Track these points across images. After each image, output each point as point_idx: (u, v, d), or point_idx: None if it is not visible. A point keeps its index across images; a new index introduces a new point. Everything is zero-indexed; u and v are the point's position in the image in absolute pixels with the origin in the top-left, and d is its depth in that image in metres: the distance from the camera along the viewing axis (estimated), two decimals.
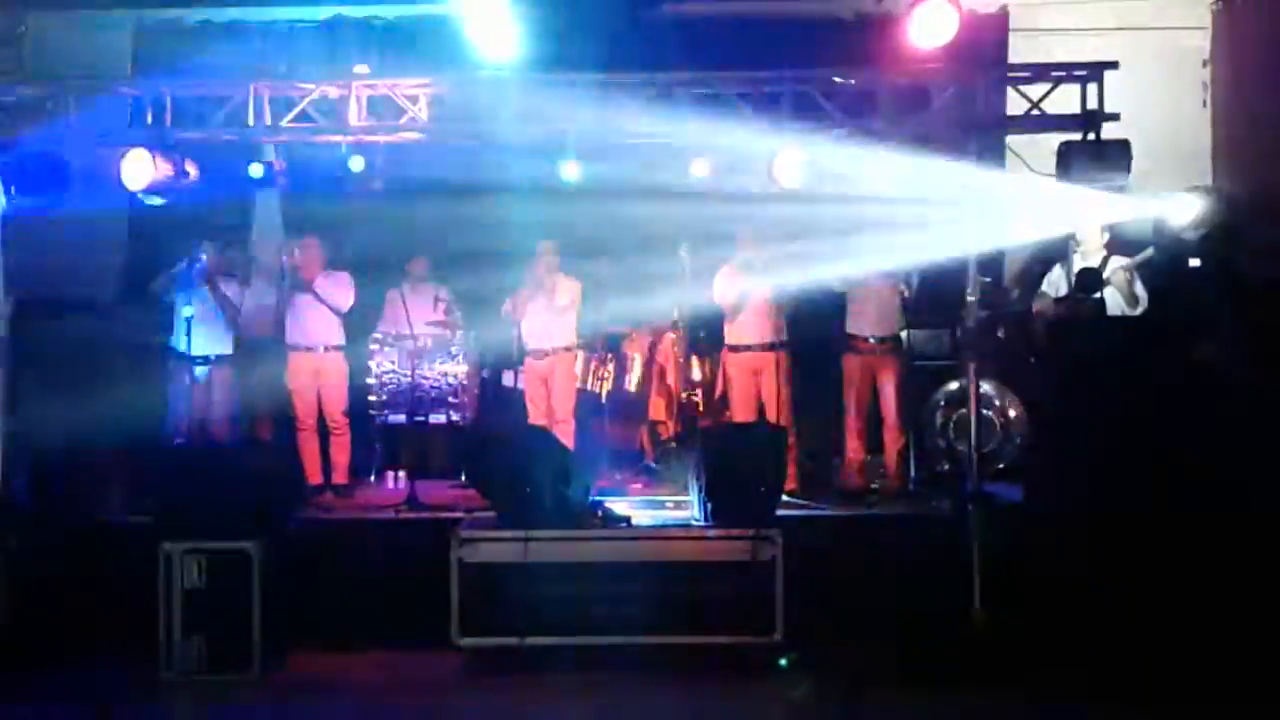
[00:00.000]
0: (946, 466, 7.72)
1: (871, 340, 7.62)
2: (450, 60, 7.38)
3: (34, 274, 7.40)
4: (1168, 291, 7.20)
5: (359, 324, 8.05)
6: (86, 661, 5.79)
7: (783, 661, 5.86)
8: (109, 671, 5.74)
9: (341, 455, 7.82)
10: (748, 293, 7.65)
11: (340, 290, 7.84)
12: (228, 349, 7.64)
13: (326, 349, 7.78)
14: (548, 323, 7.92)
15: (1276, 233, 7.25)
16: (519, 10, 7.03)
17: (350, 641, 6.06)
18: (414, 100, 7.57)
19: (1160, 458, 5.92)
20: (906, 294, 7.57)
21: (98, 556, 6.07)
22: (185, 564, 5.78)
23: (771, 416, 7.51)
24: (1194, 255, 7.31)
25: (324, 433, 7.80)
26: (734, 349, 7.79)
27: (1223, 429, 5.93)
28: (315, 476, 7.71)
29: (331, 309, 7.77)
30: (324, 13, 8.45)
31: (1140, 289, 7.26)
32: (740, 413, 7.70)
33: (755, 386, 7.69)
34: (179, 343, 7.44)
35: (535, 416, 7.90)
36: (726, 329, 7.85)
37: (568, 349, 8.02)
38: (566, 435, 7.65)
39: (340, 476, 7.81)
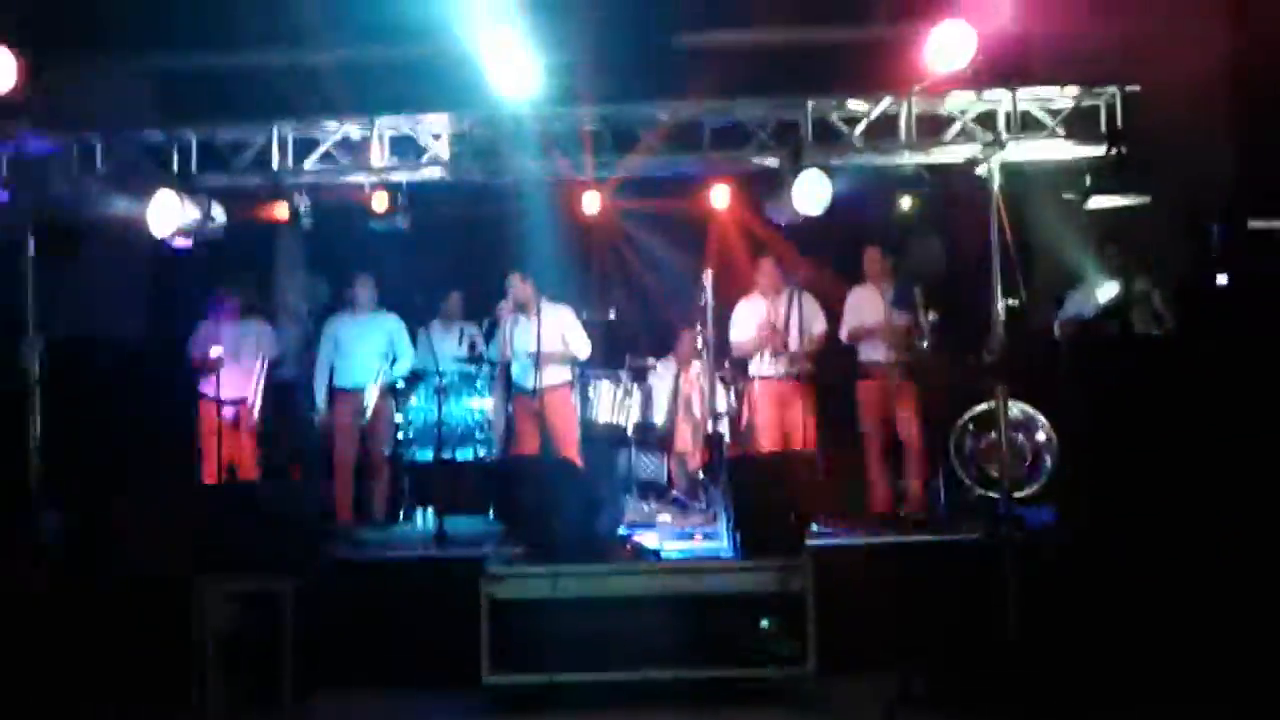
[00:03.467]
0: (977, 492, 7.67)
1: (886, 365, 7.59)
2: (470, 98, 7.43)
3: (64, 315, 7.49)
4: (1196, 311, 7.14)
5: None
6: (117, 700, 5.78)
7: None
8: (139, 711, 5.73)
9: (383, 489, 7.84)
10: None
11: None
12: (254, 388, 7.69)
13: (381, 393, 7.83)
14: (537, 359, 7.66)
15: None
16: (537, 46, 7.08)
17: (380, 680, 6.04)
18: (436, 138, 7.67)
19: (1194, 479, 5.85)
20: (925, 321, 7.55)
21: (128, 596, 6.08)
22: (217, 603, 5.80)
23: (797, 445, 7.49)
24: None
25: (358, 471, 7.82)
26: (760, 379, 7.79)
27: (1256, 448, 5.85)
28: (346, 514, 7.73)
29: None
30: (344, 54, 8.53)
31: (1161, 307, 7.21)
32: (767, 442, 7.68)
33: (781, 416, 7.68)
34: (208, 384, 7.51)
35: (523, 451, 7.73)
36: (752, 360, 7.85)
37: (563, 385, 7.91)
38: None
39: (380, 511, 7.86)
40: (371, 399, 7.74)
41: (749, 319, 7.92)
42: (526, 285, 7.79)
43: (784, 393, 7.72)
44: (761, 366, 7.87)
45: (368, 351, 7.84)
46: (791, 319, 7.67)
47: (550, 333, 7.75)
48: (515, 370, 7.88)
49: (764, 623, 5.82)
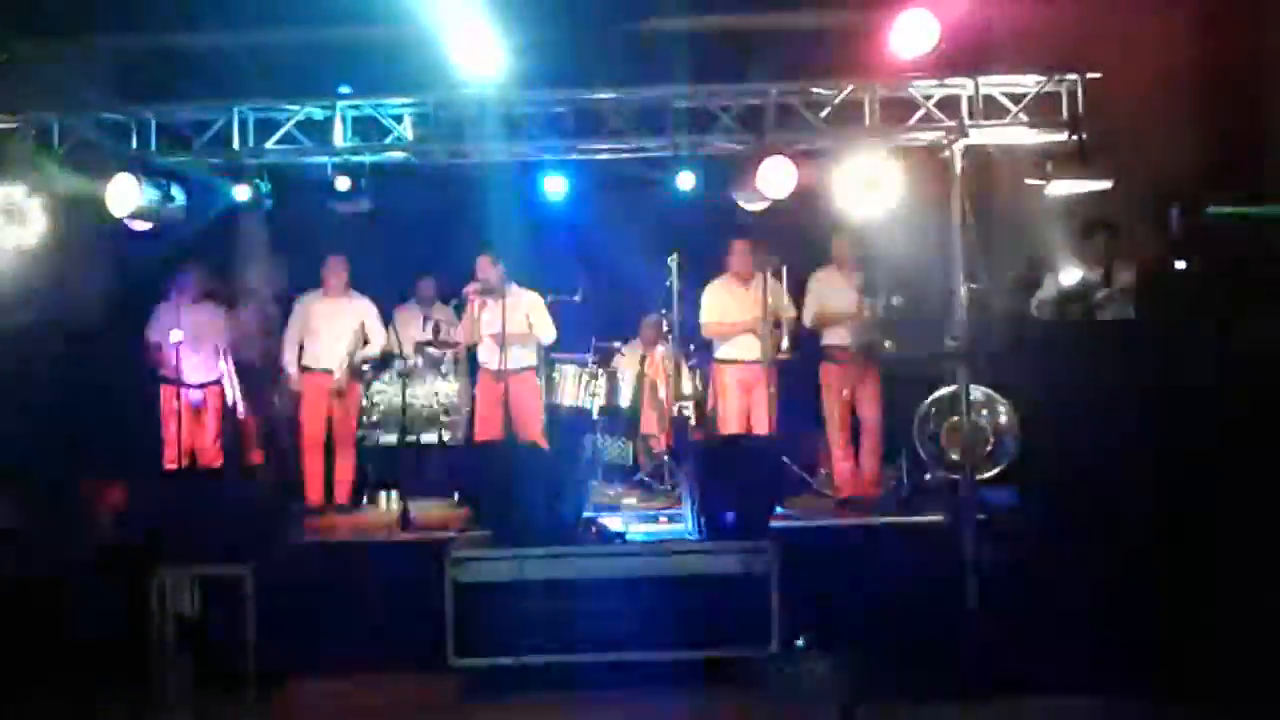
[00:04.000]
0: (939, 474, 7.74)
1: (848, 349, 7.64)
2: (433, 79, 7.37)
3: (20, 300, 7.39)
4: (1156, 295, 7.23)
5: None
6: (78, 688, 5.73)
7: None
8: (101, 697, 5.67)
9: (346, 474, 7.80)
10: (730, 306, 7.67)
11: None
12: (213, 374, 7.61)
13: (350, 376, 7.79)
14: (501, 342, 7.60)
15: None
16: (501, 27, 7.03)
17: (345, 664, 5.99)
18: (399, 119, 7.61)
19: (1157, 460, 5.92)
20: (887, 304, 7.59)
21: (87, 582, 6.02)
22: (179, 588, 5.75)
23: (760, 430, 7.52)
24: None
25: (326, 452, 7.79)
26: (725, 363, 7.80)
27: (1221, 430, 5.93)
28: (317, 496, 7.70)
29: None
30: (305, 35, 8.43)
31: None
32: (730, 426, 7.71)
33: (746, 400, 7.71)
34: (168, 369, 7.43)
35: (486, 437, 7.68)
36: (717, 343, 7.86)
37: (527, 369, 7.88)
38: None
39: (343, 495, 7.81)
40: (342, 380, 7.66)
41: (720, 302, 7.89)
42: (495, 268, 7.75)
43: (749, 377, 7.73)
44: (730, 350, 7.85)
45: (338, 334, 7.77)
46: (755, 304, 7.67)
47: (516, 316, 7.72)
48: (481, 353, 7.84)
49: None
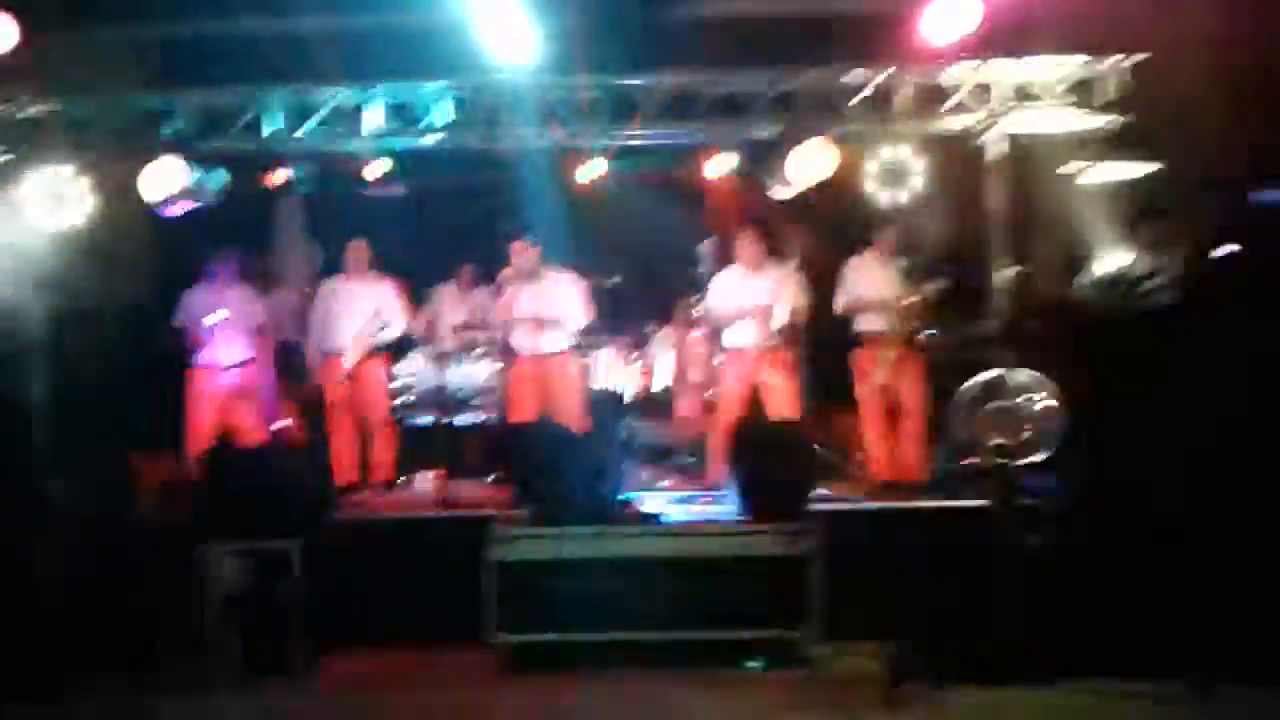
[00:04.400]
0: (980, 459, 7.68)
1: (883, 334, 7.60)
2: (468, 65, 7.38)
3: (68, 282, 7.43)
4: (1200, 281, 7.17)
5: None
6: (128, 664, 5.75)
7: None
8: (149, 672, 5.70)
9: (384, 455, 7.81)
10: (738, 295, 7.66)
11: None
12: (252, 352, 7.63)
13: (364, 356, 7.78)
14: (537, 325, 7.64)
15: None
16: (535, 14, 7.03)
17: (388, 640, 6.03)
18: (432, 105, 7.62)
19: (1195, 448, 5.88)
20: (927, 290, 7.54)
21: (136, 558, 6.03)
22: (224, 565, 5.78)
23: (777, 413, 7.51)
24: None
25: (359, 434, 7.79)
26: (733, 350, 7.75)
27: (1263, 418, 5.89)
28: (347, 476, 7.71)
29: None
30: (340, 21, 8.44)
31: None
32: (732, 412, 7.62)
33: (747, 386, 7.66)
34: (205, 350, 7.44)
35: (521, 418, 7.63)
36: (726, 331, 7.80)
37: (563, 352, 7.82)
38: None
39: (383, 475, 7.80)
40: (350, 362, 7.67)
41: (726, 291, 7.87)
42: (531, 251, 7.75)
43: (757, 363, 7.68)
44: (735, 337, 7.80)
45: (355, 316, 7.78)
46: (772, 292, 7.65)
47: (552, 300, 7.70)
48: (516, 336, 7.84)
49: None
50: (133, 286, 8.04)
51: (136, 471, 6.78)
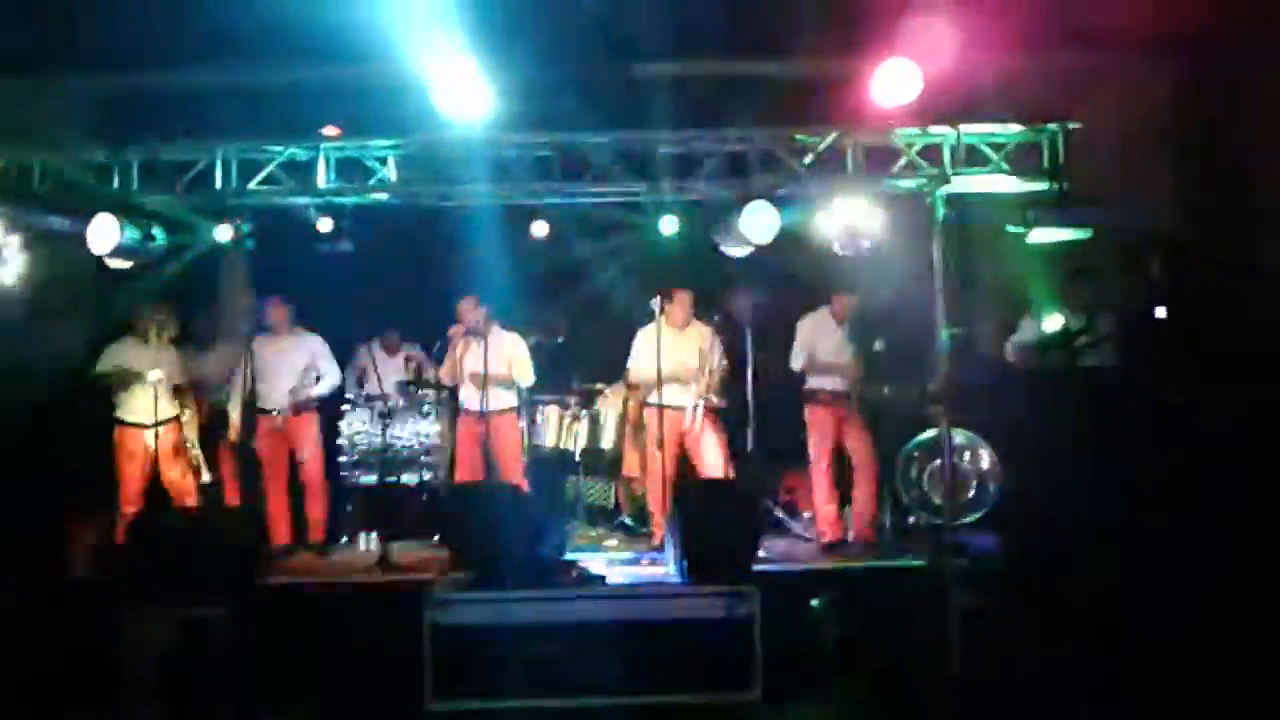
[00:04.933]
0: (921, 517, 7.72)
1: (835, 393, 7.64)
2: (419, 121, 7.39)
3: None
4: (1137, 342, 7.27)
5: None
6: None
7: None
8: None
9: (318, 514, 7.72)
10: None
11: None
12: (169, 412, 7.55)
13: (297, 410, 7.72)
14: (483, 382, 7.60)
15: None
16: (487, 71, 7.07)
17: (320, 708, 5.86)
18: (383, 161, 7.62)
19: (1138, 507, 5.92)
20: (871, 349, 7.59)
21: (60, 621, 5.91)
22: (147, 630, 5.66)
23: (713, 474, 7.51)
24: None
25: (294, 491, 7.70)
26: (652, 407, 7.73)
27: (1203, 477, 5.94)
28: (283, 536, 7.61)
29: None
30: (290, 76, 8.45)
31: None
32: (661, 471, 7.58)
33: (680, 444, 7.66)
34: (135, 409, 7.35)
35: (466, 478, 7.66)
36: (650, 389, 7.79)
37: (508, 410, 7.85)
38: None
39: (317, 534, 7.71)
40: (279, 419, 7.60)
41: (646, 349, 7.85)
42: (478, 310, 7.75)
43: (677, 423, 7.67)
44: (658, 396, 7.75)
45: (286, 372, 7.72)
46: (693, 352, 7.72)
47: (498, 358, 7.70)
48: (462, 394, 7.81)
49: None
50: (66, 344, 7.95)
51: (66, 533, 6.66)
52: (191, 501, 7.44)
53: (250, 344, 7.59)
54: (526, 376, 7.85)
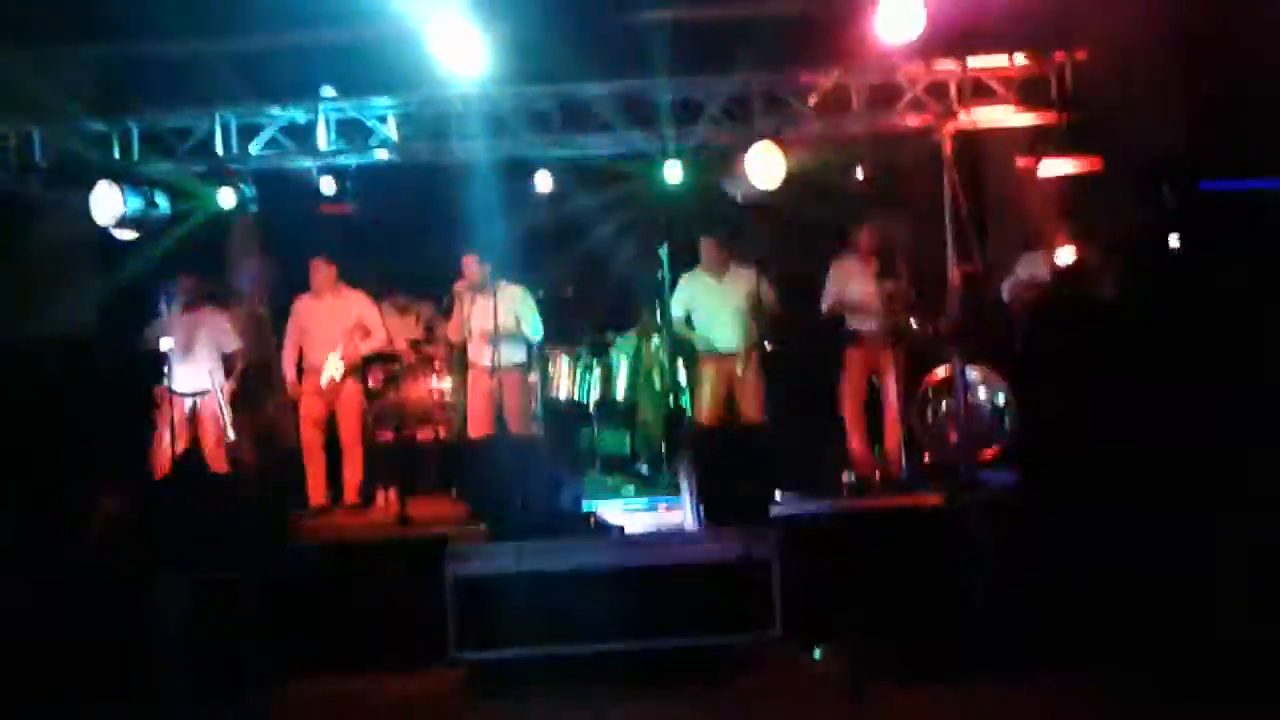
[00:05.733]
0: (938, 456, 7.69)
1: (869, 333, 7.58)
2: (417, 79, 7.34)
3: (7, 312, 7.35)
4: (1149, 273, 7.20)
5: None
6: (80, 696, 5.66)
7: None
8: (103, 705, 5.60)
9: (354, 475, 7.74)
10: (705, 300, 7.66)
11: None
12: (210, 382, 7.55)
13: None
14: (489, 339, 7.66)
15: None
16: (483, 26, 7.00)
17: (348, 663, 5.93)
18: (383, 120, 7.59)
19: (1149, 441, 5.89)
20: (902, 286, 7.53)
21: (87, 590, 5.96)
22: (176, 595, 5.69)
23: (749, 416, 7.48)
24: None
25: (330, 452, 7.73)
26: (702, 354, 7.73)
27: (1213, 409, 5.90)
28: (319, 497, 7.64)
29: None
30: (287, 39, 8.39)
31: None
32: (707, 416, 7.64)
33: (724, 390, 7.65)
34: (163, 377, 7.36)
35: (480, 433, 7.69)
36: (696, 334, 7.80)
37: (517, 365, 7.85)
38: None
39: (351, 496, 7.73)
40: (328, 377, 7.59)
41: (690, 293, 7.86)
42: (482, 266, 7.73)
43: (727, 367, 7.67)
44: (706, 342, 7.78)
45: (332, 332, 7.71)
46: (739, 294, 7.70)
47: (506, 312, 7.67)
48: (471, 350, 7.80)
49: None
50: (78, 314, 7.97)
51: (89, 502, 6.69)
52: (220, 466, 7.46)
53: (294, 303, 7.55)
54: (534, 329, 7.84)
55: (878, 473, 7.58)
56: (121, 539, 6.45)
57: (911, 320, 7.51)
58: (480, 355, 7.75)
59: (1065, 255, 7.24)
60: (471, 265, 7.74)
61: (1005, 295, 7.52)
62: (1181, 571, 5.60)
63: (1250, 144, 7.33)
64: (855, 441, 7.62)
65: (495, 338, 7.58)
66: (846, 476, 7.36)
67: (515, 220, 8.21)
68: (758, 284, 7.73)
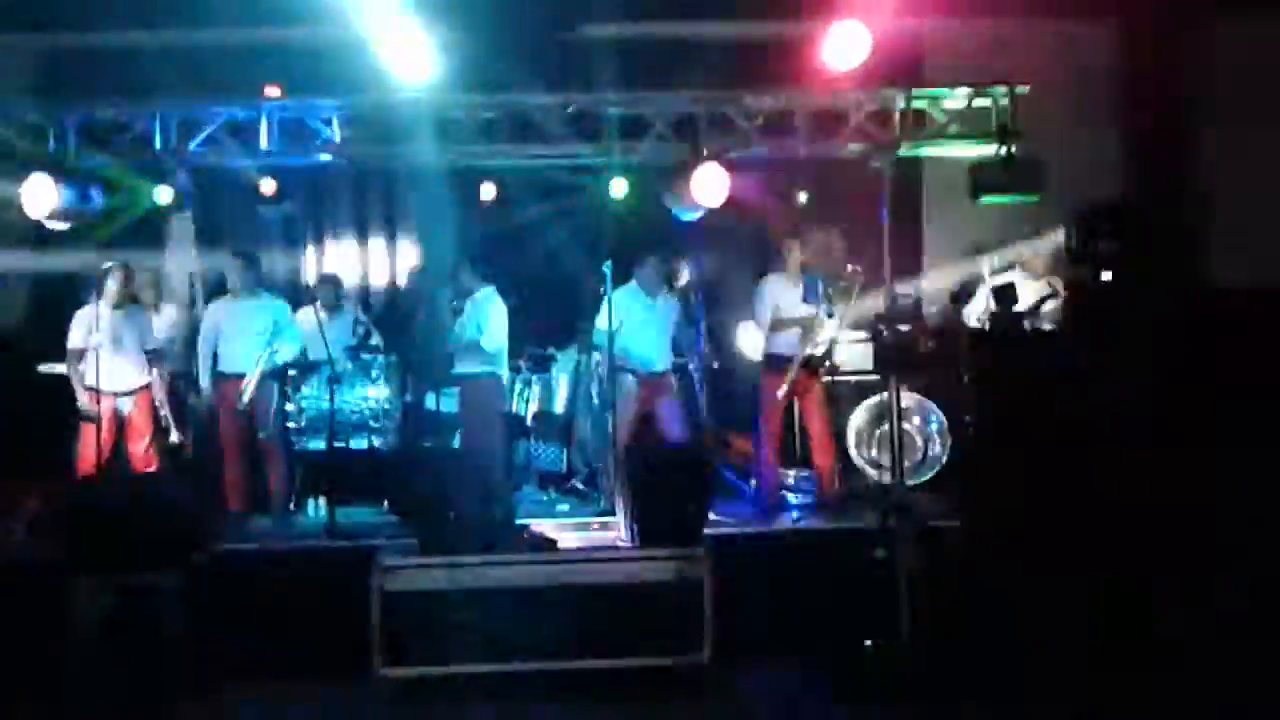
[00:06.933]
0: (870, 480, 7.77)
1: (791, 358, 7.61)
2: (364, 82, 7.28)
3: None
4: (1082, 306, 7.33)
5: None
6: None
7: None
8: (13, 710, 5.49)
9: (277, 481, 7.59)
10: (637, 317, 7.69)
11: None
12: (140, 380, 7.40)
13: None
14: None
15: None
16: (433, 32, 6.96)
17: (270, 674, 5.83)
18: (327, 122, 7.50)
19: (1080, 472, 5.97)
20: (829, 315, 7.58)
21: (4, 593, 5.82)
22: (93, 598, 5.58)
23: (671, 437, 7.53)
24: None
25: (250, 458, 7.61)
26: (625, 371, 7.75)
27: (1143, 441, 6.00)
28: (238, 503, 7.51)
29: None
30: (233, 36, 8.28)
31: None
32: (627, 434, 7.60)
33: (650, 408, 7.67)
34: (89, 375, 7.19)
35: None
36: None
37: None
38: None
39: (276, 502, 7.58)
40: (250, 383, 7.46)
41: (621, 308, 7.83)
42: (471, 276, 7.62)
43: (655, 386, 7.71)
44: (629, 360, 7.73)
45: (249, 335, 7.57)
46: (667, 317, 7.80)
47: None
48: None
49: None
50: (6, 308, 7.79)
51: (9, 501, 6.54)
52: (153, 469, 7.30)
53: (209, 306, 7.43)
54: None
55: (798, 496, 7.61)
56: (40, 539, 6.33)
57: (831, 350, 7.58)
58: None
59: (1035, 290, 7.36)
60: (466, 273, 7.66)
61: (971, 322, 7.58)
62: (1115, 604, 5.68)
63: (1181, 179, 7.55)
64: (768, 467, 7.61)
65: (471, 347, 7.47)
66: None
67: (458, 229, 8.16)
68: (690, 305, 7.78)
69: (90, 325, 7.11)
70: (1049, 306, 7.39)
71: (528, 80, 7.60)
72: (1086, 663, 5.51)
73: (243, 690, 5.78)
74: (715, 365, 8.24)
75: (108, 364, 7.12)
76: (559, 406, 8.30)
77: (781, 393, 7.40)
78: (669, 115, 7.58)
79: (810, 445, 7.70)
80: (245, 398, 7.38)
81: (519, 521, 6.77)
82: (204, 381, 7.61)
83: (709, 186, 7.32)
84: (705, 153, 7.41)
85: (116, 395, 7.25)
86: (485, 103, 7.52)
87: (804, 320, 7.49)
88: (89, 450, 7.10)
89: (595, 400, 8.28)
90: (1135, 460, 5.95)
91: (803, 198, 8.45)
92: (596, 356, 8.32)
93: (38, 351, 7.61)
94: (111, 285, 7.26)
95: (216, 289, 7.97)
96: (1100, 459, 5.96)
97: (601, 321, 7.54)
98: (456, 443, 7.61)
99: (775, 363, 7.57)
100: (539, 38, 8.19)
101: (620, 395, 7.55)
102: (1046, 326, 7.27)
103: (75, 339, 7.19)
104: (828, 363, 7.58)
